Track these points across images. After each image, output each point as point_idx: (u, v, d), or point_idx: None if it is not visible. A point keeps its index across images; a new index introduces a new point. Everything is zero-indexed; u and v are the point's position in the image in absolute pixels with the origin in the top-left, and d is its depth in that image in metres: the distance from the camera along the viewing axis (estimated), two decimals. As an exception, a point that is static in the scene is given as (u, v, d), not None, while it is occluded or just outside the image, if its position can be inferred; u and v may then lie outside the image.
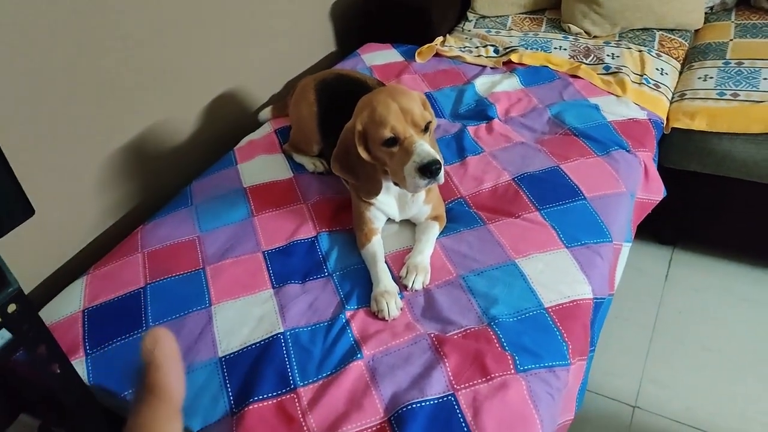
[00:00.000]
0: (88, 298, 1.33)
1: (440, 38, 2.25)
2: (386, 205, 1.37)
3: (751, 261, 2.04)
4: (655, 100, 1.86)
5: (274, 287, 1.31)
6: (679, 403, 1.68)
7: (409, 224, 1.44)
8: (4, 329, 0.83)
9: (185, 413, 0.41)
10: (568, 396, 1.18)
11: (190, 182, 1.70)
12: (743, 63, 1.93)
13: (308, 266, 1.36)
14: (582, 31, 2.21)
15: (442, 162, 1.20)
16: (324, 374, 1.11)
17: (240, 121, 2.03)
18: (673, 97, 1.94)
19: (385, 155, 1.23)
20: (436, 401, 1.04)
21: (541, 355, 1.13)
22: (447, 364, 1.10)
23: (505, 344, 1.14)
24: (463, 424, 1.00)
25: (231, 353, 1.17)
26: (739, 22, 2.18)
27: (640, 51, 2.06)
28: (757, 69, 1.88)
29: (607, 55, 2.04)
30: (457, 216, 1.45)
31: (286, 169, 1.68)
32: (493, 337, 1.15)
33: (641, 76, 1.93)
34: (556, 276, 1.28)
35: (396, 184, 1.30)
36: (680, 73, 2.07)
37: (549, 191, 1.48)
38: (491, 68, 2.06)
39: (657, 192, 1.70)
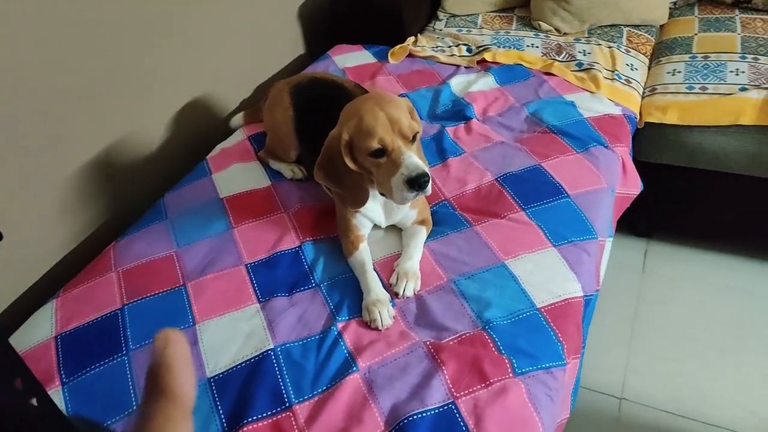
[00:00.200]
0: (61, 323, 1.26)
1: (412, 38, 2.24)
2: (372, 211, 1.34)
3: (724, 249, 2.09)
4: (627, 95, 1.88)
5: (260, 301, 1.26)
6: (665, 393, 1.70)
7: (395, 229, 1.41)
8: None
9: None
10: (564, 395, 1.18)
11: (162, 195, 1.63)
12: (709, 57, 1.98)
13: (294, 278, 1.32)
14: (552, 28, 2.23)
15: (429, 174, 1.18)
16: (319, 390, 1.08)
17: (210, 129, 1.97)
18: (644, 92, 1.96)
19: (372, 166, 1.20)
20: (437, 411, 1.02)
21: (537, 356, 1.12)
22: (445, 371, 1.08)
23: (501, 348, 1.12)
24: (467, 433, 0.98)
25: (220, 373, 1.12)
26: (702, 16, 2.23)
27: (609, 47, 2.08)
28: (722, 62, 1.93)
29: (579, 52, 2.06)
30: (443, 219, 1.43)
31: (263, 177, 1.63)
32: (489, 341, 1.14)
33: (613, 72, 1.95)
34: (546, 275, 1.27)
35: (382, 194, 1.27)
36: (649, 68, 2.10)
37: (532, 190, 1.48)
38: (465, 67, 2.05)
39: (634, 186, 1.72)
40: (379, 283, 1.26)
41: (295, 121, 1.57)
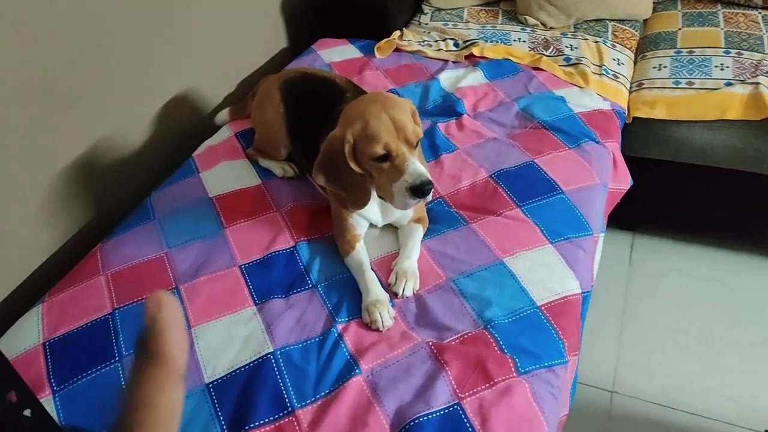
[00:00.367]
0: (48, 329, 1.21)
1: (398, 32, 2.21)
2: (369, 210, 1.31)
3: (708, 242, 2.13)
4: (615, 90, 1.89)
5: (256, 303, 1.23)
6: (655, 385, 1.73)
7: (391, 228, 1.39)
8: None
9: None
10: (565, 392, 1.18)
11: (147, 194, 1.58)
12: (694, 51, 2.00)
13: (290, 279, 1.29)
14: (538, 22, 2.23)
15: (432, 181, 1.16)
16: (322, 393, 1.06)
17: (195, 125, 1.92)
18: (631, 87, 1.98)
19: (374, 170, 1.18)
20: (442, 412, 1.01)
21: (540, 355, 1.12)
22: (449, 372, 1.07)
23: (503, 347, 1.12)
24: (474, 435, 0.97)
25: (218, 378, 1.09)
26: (685, 11, 2.25)
27: (596, 42, 2.09)
28: (707, 57, 1.95)
29: (566, 47, 2.06)
30: (439, 216, 1.42)
31: (253, 176, 1.59)
32: (491, 340, 1.13)
33: (600, 66, 1.96)
34: (544, 273, 1.27)
35: (380, 197, 1.25)
36: (634, 63, 2.11)
37: (527, 187, 1.47)
38: (453, 62, 2.03)
39: (625, 181, 1.74)
40: (378, 283, 1.24)
41: (286, 118, 1.54)
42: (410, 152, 1.16)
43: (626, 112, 1.88)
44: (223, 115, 1.86)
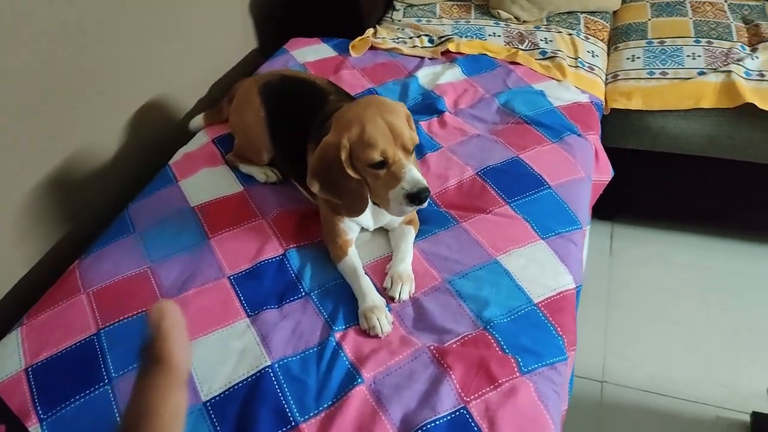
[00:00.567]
0: (30, 354, 1.16)
1: (371, 30, 2.18)
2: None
3: (686, 229, 2.17)
4: (592, 82, 1.91)
5: (249, 315, 1.20)
6: (643, 373, 1.75)
7: (382, 231, 1.37)
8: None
9: None
10: (565, 387, 1.18)
11: (123, 205, 1.53)
12: (665, 42, 2.03)
13: (282, 288, 1.26)
14: (511, 16, 2.23)
15: (429, 189, 1.15)
16: (325, 405, 1.03)
17: (167, 132, 1.86)
18: (606, 79, 2.00)
19: (369, 176, 1.16)
20: (449, 417, 1.00)
21: (541, 353, 1.12)
22: (453, 376, 1.05)
23: (505, 347, 1.11)
24: (483, 438, 0.96)
25: (216, 396, 1.06)
26: (653, 1, 2.28)
27: (570, 34, 2.10)
28: (678, 47, 1.98)
29: (541, 40, 2.07)
30: (428, 217, 1.40)
31: (235, 182, 1.55)
32: (492, 341, 1.12)
33: (576, 59, 1.98)
34: (538, 269, 1.27)
35: (375, 203, 1.23)
36: (608, 54, 2.14)
37: (514, 183, 1.47)
38: (429, 59, 2.02)
39: (606, 173, 1.75)
40: (374, 288, 1.22)
41: (267, 122, 1.50)
42: (407, 158, 1.14)
43: (604, 104, 1.89)
44: (198, 120, 1.80)
